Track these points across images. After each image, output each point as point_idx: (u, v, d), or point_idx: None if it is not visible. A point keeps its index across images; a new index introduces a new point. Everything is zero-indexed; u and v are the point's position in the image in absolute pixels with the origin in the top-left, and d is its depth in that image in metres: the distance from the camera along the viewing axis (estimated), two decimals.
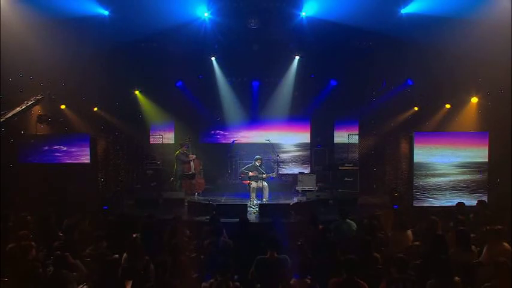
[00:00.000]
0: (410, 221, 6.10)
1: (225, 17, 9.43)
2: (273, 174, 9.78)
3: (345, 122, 12.58)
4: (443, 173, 8.87)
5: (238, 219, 6.23)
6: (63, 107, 10.60)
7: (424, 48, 9.09)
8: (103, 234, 5.43)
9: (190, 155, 10.39)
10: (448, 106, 10.96)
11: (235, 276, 4.71)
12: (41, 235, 5.47)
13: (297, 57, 11.40)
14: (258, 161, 9.55)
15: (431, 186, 8.91)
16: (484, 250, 4.90)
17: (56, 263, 4.31)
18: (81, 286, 4.45)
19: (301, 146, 12.82)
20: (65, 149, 9.11)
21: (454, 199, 8.45)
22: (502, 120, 9.05)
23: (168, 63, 10.52)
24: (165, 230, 5.80)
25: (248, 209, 8.54)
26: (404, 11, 8.85)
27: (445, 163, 8.90)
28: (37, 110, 9.32)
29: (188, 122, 12.19)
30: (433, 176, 8.89)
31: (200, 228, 6.32)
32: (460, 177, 8.85)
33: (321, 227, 5.84)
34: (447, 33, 8.22)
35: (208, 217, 7.56)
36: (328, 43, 10.20)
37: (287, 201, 9.43)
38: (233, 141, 12.37)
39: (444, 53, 8.82)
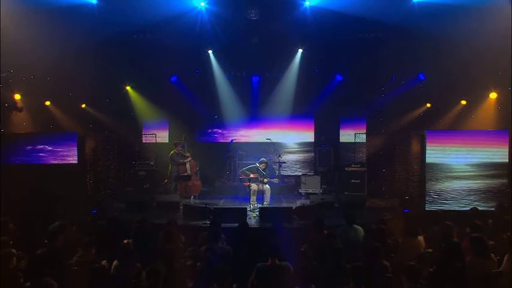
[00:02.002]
0: (422, 226, 6.06)
1: (223, 7, 9.41)
2: (276, 180, 9.73)
3: (351, 120, 12.59)
4: (458, 175, 8.81)
5: (237, 224, 6.21)
6: (48, 103, 10.57)
7: (438, 40, 9.05)
8: (91, 241, 5.39)
9: (187, 154, 10.37)
10: (463, 102, 10.92)
11: (234, 285, 4.69)
12: (23, 242, 5.42)
13: (300, 51, 11.41)
14: (263, 164, 9.51)
15: (445, 188, 8.86)
16: (505, 259, 4.84)
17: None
18: None
19: (305, 146, 12.82)
20: (50, 148, 9.08)
21: (471, 203, 8.40)
22: None
23: (162, 57, 10.53)
24: (159, 235, 5.77)
25: (248, 212, 8.52)
26: None
27: (461, 164, 8.84)
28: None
29: (183, 119, 12.19)
30: (447, 177, 8.84)
31: (196, 233, 6.28)
32: (477, 179, 8.78)
33: (325, 232, 5.84)
34: (463, 23, 8.12)
35: (205, 221, 7.58)
36: (333, 35, 10.18)
37: (289, 205, 9.38)
38: (232, 141, 12.36)
39: (460, 45, 8.73)
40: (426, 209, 8.81)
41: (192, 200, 10.07)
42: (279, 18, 9.73)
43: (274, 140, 11.54)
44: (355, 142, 12.16)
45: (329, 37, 10.30)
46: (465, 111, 10.85)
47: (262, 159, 9.70)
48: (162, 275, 4.21)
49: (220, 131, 13.03)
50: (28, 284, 4.25)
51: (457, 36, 8.53)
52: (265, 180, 9.38)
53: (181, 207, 9.15)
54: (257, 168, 9.49)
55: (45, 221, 6.39)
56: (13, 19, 7.70)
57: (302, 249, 5.59)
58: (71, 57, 9.10)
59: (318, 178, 11.10)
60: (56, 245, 5.39)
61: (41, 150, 9.08)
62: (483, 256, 4.77)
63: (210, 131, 13.04)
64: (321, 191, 10.79)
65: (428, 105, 11.58)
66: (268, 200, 9.48)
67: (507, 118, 9.71)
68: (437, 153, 8.90)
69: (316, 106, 12.64)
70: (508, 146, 8.72)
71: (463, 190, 8.79)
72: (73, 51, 8.96)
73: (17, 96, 9.57)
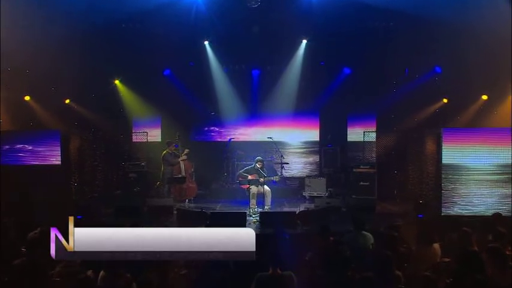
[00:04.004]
0: (438, 233, 6.03)
1: None
2: (276, 178, 9.78)
3: (360, 117, 12.56)
4: (478, 177, 8.77)
5: None
6: (27, 98, 10.54)
7: (456, 28, 9.01)
8: None
9: (186, 151, 10.36)
10: (484, 97, 10.90)
11: None
12: None
13: (305, 42, 11.44)
14: (259, 163, 9.61)
15: (463, 191, 8.82)
16: None
17: None
18: None
19: (309, 145, 12.83)
20: (30, 148, 9.06)
21: (493, 207, 8.37)
22: None
23: (154, 48, 10.57)
24: None
25: (247, 217, 8.55)
26: None
27: (481, 165, 8.80)
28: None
29: (177, 117, 12.19)
30: (466, 179, 8.81)
31: None
32: (500, 182, 8.71)
33: (332, 239, 5.87)
34: (486, 9, 8.06)
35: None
36: (340, 24, 10.17)
37: (292, 209, 9.43)
38: (230, 140, 12.35)
39: (481, 33, 8.68)
40: (442, 214, 8.80)
41: (186, 204, 10.12)
42: (281, 6, 9.74)
43: (275, 139, 11.57)
44: (364, 141, 12.18)
45: (336, 27, 10.27)
46: (486, 107, 10.83)
47: (257, 157, 9.77)
48: (155, 285, 4.18)
49: (217, 129, 13.03)
50: None
51: (477, 24, 8.45)
52: (265, 179, 9.41)
53: (175, 211, 9.15)
54: (254, 168, 9.55)
55: (25, 227, 6.37)
56: None
57: (306, 257, 5.56)
58: (54, 47, 9.06)
59: (323, 180, 11.13)
60: (36, 254, 5.36)
61: (20, 150, 9.05)
62: (502, 268, 4.73)
63: (206, 129, 13.04)
64: (326, 194, 10.78)
65: (445, 100, 11.55)
66: (270, 204, 9.51)
67: None
68: (454, 153, 8.86)
69: (322, 102, 12.61)
70: None
71: (483, 193, 8.74)
72: (56, 40, 8.92)
73: None
